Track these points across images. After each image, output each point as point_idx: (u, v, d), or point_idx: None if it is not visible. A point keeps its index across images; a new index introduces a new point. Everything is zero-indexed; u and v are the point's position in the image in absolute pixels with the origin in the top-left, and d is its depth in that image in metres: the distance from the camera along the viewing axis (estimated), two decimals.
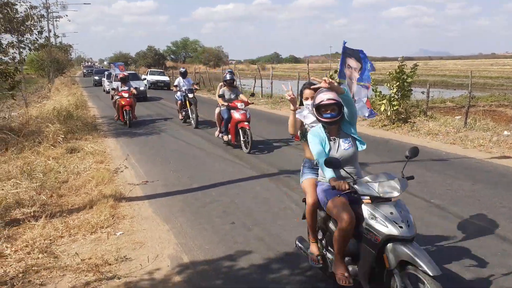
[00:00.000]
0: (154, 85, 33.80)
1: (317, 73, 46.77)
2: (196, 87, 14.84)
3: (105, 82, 30.46)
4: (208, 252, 4.76)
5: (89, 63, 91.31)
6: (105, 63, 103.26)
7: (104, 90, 30.87)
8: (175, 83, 14.77)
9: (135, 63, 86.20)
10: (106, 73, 32.76)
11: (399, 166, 8.32)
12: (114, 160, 9.18)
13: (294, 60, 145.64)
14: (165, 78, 36.00)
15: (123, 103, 14.35)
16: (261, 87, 24.55)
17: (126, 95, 14.35)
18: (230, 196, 6.78)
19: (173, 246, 4.96)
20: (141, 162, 9.26)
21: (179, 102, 14.99)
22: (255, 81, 24.96)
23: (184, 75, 14.59)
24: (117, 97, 14.85)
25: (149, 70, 42.38)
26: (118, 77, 16.07)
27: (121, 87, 14.73)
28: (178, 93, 14.85)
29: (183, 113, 14.94)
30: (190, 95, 14.08)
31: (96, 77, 38.96)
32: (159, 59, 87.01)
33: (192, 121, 14.17)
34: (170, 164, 9.07)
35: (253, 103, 12.26)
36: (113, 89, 15.98)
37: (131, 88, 14.85)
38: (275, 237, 5.12)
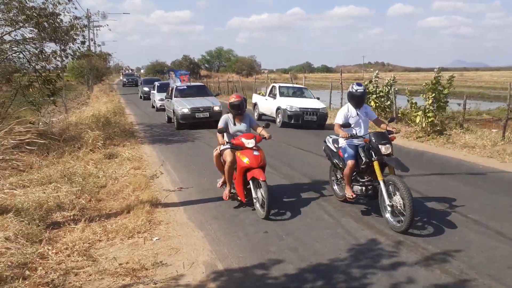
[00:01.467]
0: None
1: (349, 83, 46.46)
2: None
3: (156, 97, 23.14)
4: (242, 260, 4.82)
5: (129, 71, 79.52)
6: (142, 71, 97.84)
7: (153, 107, 24.19)
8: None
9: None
10: (156, 84, 24.97)
11: (435, 179, 8.23)
12: (150, 166, 9.38)
13: (326, 69, 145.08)
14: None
15: (245, 162, 6.37)
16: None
17: (249, 143, 6.51)
18: None
19: (208, 253, 5.04)
20: (176, 169, 9.44)
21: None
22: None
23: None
24: (222, 147, 6.81)
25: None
26: (176, 88, 17.26)
27: (234, 124, 6.93)
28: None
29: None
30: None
31: (146, 88, 30.31)
32: (193, 68, 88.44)
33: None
34: (204, 171, 9.19)
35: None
36: (164, 108, 13.69)
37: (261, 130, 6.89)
38: (309, 248, 5.13)
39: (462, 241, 5.28)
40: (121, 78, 75.58)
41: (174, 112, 16.24)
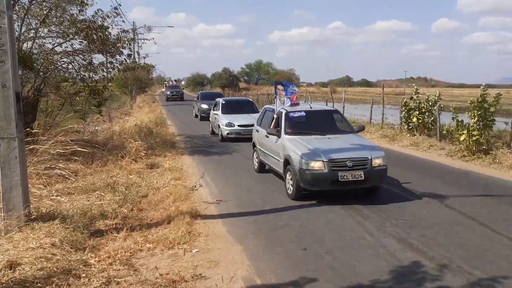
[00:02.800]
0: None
1: (390, 97, 45.67)
2: None
3: (221, 120, 16.69)
4: (280, 277, 4.77)
5: (173, 82, 69.88)
6: (183, 83, 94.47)
7: (214, 133, 17.90)
8: None
9: (210, 84, 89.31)
10: (221, 102, 18.38)
11: (481, 200, 7.93)
12: (190, 177, 9.51)
13: (366, 83, 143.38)
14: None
15: None
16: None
17: None
18: (302, 221, 6.76)
19: (246, 268, 5.03)
20: (215, 181, 9.52)
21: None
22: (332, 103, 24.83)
23: None
24: None
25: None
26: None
27: None
28: None
29: None
30: None
31: (204, 105, 23.65)
32: (232, 81, 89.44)
33: None
34: (242, 184, 9.22)
35: None
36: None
37: None
38: (349, 268, 5.02)
39: (510, 267, 5.04)
40: (163, 90, 68.60)
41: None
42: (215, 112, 17.86)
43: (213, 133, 17.98)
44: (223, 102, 18.19)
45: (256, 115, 14.26)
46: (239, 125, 15.92)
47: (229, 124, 16.01)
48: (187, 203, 7.30)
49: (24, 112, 7.59)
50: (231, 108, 17.61)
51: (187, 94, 64.54)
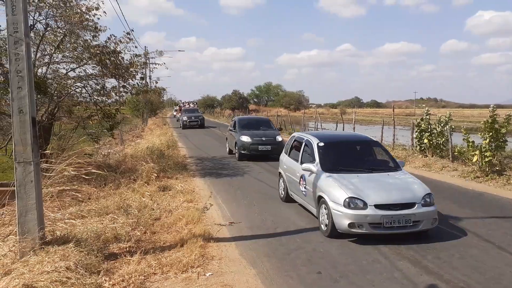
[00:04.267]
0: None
1: (400, 118, 45.55)
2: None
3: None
4: None
5: (191, 105, 52.24)
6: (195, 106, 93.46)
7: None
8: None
9: (220, 106, 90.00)
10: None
11: (495, 222, 7.83)
12: (202, 200, 9.50)
13: (376, 104, 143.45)
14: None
15: None
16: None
17: None
18: (315, 244, 6.72)
19: None
20: (227, 203, 9.52)
21: None
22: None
23: None
24: None
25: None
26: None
27: None
28: None
29: None
30: None
31: (246, 138, 16.59)
32: (242, 103, 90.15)
33: None
34: (254, 206, 9.21)
35: None
36: None
37: None
38: None
39: None
40: (174, 114, 62.23)
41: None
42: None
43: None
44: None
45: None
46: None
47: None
48: (199, 225, 7.29)
49: (38, 136, 7.72)
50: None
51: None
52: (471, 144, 13.03)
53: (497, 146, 12.51)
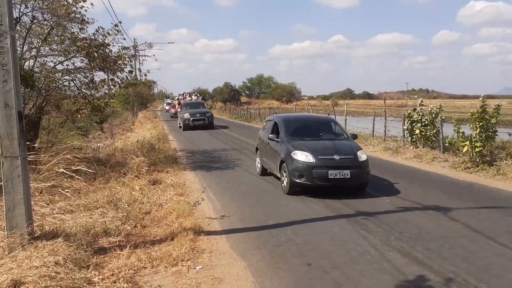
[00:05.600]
0: None
1: (392, 110, 45.75)
2: None
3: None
4: None
5: (194, 98, 42.97)
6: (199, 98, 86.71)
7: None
8: None
9: (212, 98, 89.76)
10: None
11: (485, 212, 7.88)
12: (192, 193, 9.47)
13: (368, 96, 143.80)
14: None
15: None
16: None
17: None
18: (305, 236, 6.72)
19: (251, 284, 4.99)
20: (218, 196, 9.50)
21: None
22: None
23: None
24: None
25: None
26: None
27: None
28: None
29: None
30: None
31: (303, 156, 9.24)
32: (234, 95, 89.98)
33: None
34: (245, 199, 9.20)
35: None
36: None
37: None
38: (355, 283, 4.98)
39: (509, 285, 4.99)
40: (166, 108, 54.43)
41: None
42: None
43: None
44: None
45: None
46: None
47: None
48: (190, 219, 7.27)
49: (26, 130, 7.64)
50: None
51: None
52: (461, 134, 13.10)
53: (487, 136, 12.58)
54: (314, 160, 9.09)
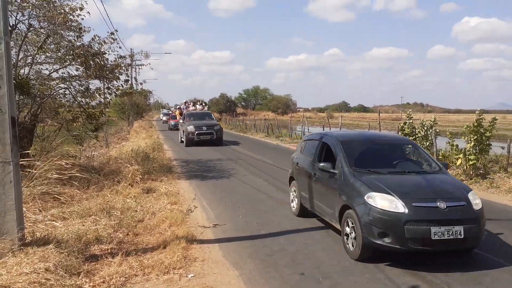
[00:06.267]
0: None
1: (387, 123, 46.01)
2: None
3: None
4: None
5: (198, 107, 35.20)
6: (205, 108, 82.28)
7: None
8: None
9: (208, 109, 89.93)
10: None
11: None
12: (186, 202, 9.43)
13: (363, 109, 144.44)
14: None
15: None
16: None
17: None
18: (299, 245, 6.70)
19: None
20: (212, 205, 9.46)
21: None
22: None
23: None
24: None
25: None
26: None
27: None
28: None
29: None
30: None
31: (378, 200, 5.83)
32: (230, 106, 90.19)
33: None
34: (239, 208, 9.17)
35: None
36: None
37: None
38: None
39: None
40: (163, 119, 50.84)
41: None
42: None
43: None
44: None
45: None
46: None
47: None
48: (183, 227, 7.23)
49: (20, 137, 7.61)
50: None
51: None
52: (455, 147, 13.16)
53: (481, 149, 12.64)
54: (407, 210, 5.64)
